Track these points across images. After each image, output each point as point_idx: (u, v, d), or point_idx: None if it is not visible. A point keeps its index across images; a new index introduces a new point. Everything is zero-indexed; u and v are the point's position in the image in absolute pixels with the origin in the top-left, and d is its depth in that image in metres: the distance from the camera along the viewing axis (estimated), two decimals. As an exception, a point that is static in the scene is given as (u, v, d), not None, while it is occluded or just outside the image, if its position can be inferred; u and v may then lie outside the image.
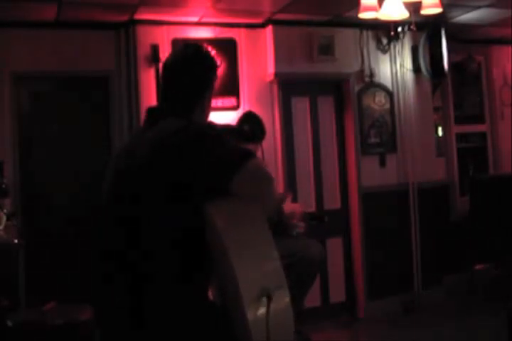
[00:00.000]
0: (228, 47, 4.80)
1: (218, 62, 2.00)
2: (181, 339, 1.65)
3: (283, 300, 1.53)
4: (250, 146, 3.33)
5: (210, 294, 1.77)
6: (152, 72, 4.56)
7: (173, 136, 1.71)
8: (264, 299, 1.49)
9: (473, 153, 6.11)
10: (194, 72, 1.89)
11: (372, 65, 5.28)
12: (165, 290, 1.66)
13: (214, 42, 4.74)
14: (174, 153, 1.67)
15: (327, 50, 5.00)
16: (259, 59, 4.92)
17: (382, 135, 5.31)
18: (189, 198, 1.64)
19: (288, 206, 3.15)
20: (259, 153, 3.29)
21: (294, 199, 5.02)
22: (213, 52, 4.68)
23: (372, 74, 5.26)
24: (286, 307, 1.54)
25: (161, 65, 4.50)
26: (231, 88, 4.75)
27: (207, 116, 1.95)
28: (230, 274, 1.52)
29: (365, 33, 5.24)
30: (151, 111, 1.93)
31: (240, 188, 1.61)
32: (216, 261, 1.62)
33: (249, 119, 3.61)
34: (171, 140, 1.70)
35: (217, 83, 2.01)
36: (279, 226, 3.15)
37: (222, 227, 1.56)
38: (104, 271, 1.79)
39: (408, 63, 5.39)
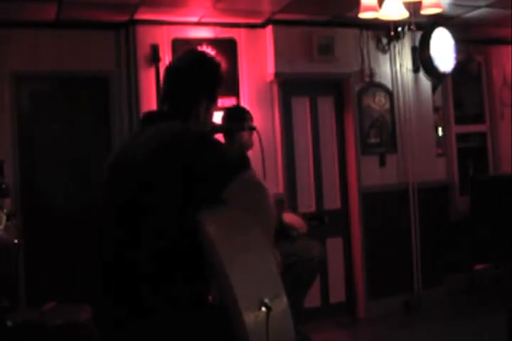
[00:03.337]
0: (228, 47, 4.80)
1: (223, 72, 1.99)
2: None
3: (281, 307, 1.53)
4: (245, 133, 3.36)
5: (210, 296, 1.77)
6: (152, 72, 4.56)
7: (171, 138, 1.72)
8: (263, 309, 1.48)
9: (473, 153, 6.11)
10: (195, 78, 1.90)
11: (372, 65, 5.27)
12: (164, 293, 1.66)
13: (214, 42, 4.74)
14: (174, 155, 1.67)
15: (327, 50, 5.00)
16: (259, 59, 4.92)
17: (382, 135, 5.31)
18: (184, 202, 1.64)
19: (288, 217, 3.16)
20: (256, 139, 3.28)
21: (294, 200, 5.03)
22: (213, 53, 4.68)
23: (372, 74, 5.26)
24: (284, 314, 1.54)
25: (161, 65, 4.51)
26: (231, 88, 4.75)
27: (205, 123, 1.94)
28: (226, 284, 1.51)
29: (365, 33, 5.24)
30: (148, 113, 1.94)
31: (233, 197, 1.61)
32: (213, 269, 1.62)
33: (232, 113, 3.64)
34: (169, 142, 1.70)
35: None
36: (280, 226, 3.15)
37: (215, 237, 1.56)
38: (103, 272, 1.79)
39: (408, 63, 5.39)
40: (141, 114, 1.96)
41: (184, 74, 1.90)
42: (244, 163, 1.70)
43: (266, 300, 1.48)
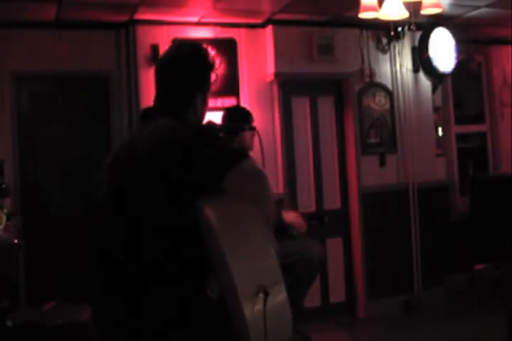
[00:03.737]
0: (228, 47, 4.80)
1: (215, 62, 1.98)
2: (180, 337, 1.65)
3: (280, 295, 1.54)
4: (247, 134, 3.36)
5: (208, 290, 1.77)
6: (152, 72, 4.51)
7: (169, 135, 1.72)
8: (261, 295, 1.49)
9: (473, 153, 6.11)
10: (187, 70, 1.88)
11: (372, 65, 5.27)
12: (162, 289, 1.66)
13: (214, 42, 4.74)
14: (173, 151, 1.67)
15: (327, 50, 5.00)
16: (259, 59, 4.92)
17: (382, 135, 5.31)
18: (185, 196, 1.64)
19: (287, 215, 3.16)
20: (256, 140, 3.28)
21: (294, 200, 5.03)
22: (213, 52, 4.68)
23: (372, 74, 5.26)
24: (283, 303, 1.54)
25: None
26: (231, 88, 4.74)
27: (202, 115, 1.94)
28: (226, 273, 1.52)
29: (365, 33, 5.24)
30: (145, 111, 1.94)
31: (233, 187, 1.61)
32: (212, 260, 1.62)
33: (234, 113, 3.63)
34: (167, 139, 1.70)
35: (217, 83, 2.00)
36: (280, 226, 3.15)
37: (216, 227, 1.56)
38: (101, 272, 1.79)
39: (408, 63, 5.40)
40: (139, 111, 1.95)
41: (178, 69, 1.88)
42: (244, 153, 1.69)
43: (264, 286, 1.49)
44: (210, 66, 1.94)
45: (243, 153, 1.69)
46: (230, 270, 1.50)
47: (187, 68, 1.89)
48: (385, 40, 5.30)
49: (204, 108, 1.93)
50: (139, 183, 1.71)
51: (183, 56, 1.91)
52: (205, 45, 4.62)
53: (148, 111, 1.94)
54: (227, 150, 1.70)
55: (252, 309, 1.49)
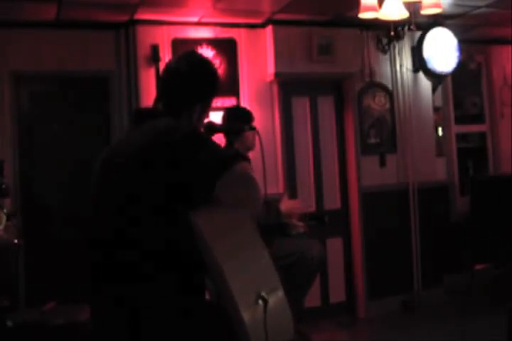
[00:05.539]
0: (228, 47, 4.80)
1: (219, 79, 2.01)
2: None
3: (279, 300, 1.53)
4: (248, 134, 3.36)
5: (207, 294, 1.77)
6: (152, 72, 4.56)
7: (164, 134, 1.72)
8: (260, 302, 1.49)
9: (473, 153, 6.12)
10: (192, 84, 1.90)
11: (372, 65, 5.27)
12: (162, 296, 1.65)
13: (214, 42, 4.74)
14: (164, 152, 1.67)
15: (327, 50, 5.00)
16: (259, 59, 4.92)
17: (382, 135, 5.31)
18: (176, 199, 1.64)
19: (286, 203, 3.15)
20: (256, 139, 3.28)
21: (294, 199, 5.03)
22: (213, 52, 4.69)
23: (372, 74, 5.26)
24: (283, 307, 1.54)
25: (161, 64, 4.51)
26: (231, 88, 4.74)
27: (197, 126, 1.94)
28: (222, 283, 1.52)
29: (365, 33, 5.23)
30: (139, 111, 1.94)
31: (224, 191, 1.61)
32: (208, 269, 1.62)
33: (234, 113, 3.63)
34: (161, 139, 1.71)
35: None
36: (279, 226, 3.15)
37: (209, 238, 1.55)
38: (98, 274, 1.78)
39: (408, 63, 5.40)
40: (133, 112, 1.96)
41: (182, 79, 1.91)
42: (235, 156, 1.69)
43: (262, 293, 1.49)
44: (213, 85, 1.96)
45: (235, 156, 1.69)
46: (227, 280, 1.49)
47: (189, 83, 1.90)
48: (385, 40, 5.30)
49: (199, 123, 1.93)
50: (132, 182, 1.70)
51: (188, 70, 1.92)
52: (205, 46, 4.67)
53: (143, 111, 1.95)
54: (220, 153, 1.70)
55: (252, 316, 1.49)
